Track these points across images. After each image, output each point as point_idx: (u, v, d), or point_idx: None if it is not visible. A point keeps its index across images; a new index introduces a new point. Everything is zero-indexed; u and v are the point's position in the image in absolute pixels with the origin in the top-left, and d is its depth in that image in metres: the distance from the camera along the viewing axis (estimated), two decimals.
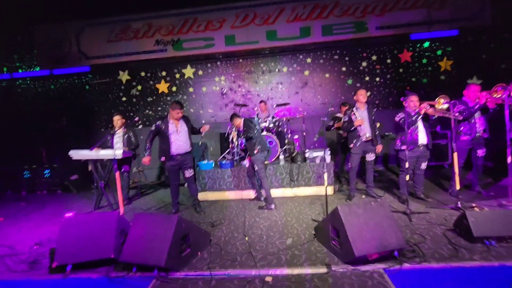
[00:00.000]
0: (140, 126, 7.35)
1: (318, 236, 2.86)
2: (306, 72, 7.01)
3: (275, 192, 4.69)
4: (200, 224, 3.42)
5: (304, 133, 5.90)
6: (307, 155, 4.86)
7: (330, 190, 4.62)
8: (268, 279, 2.21)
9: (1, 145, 7.43)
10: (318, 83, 7.01)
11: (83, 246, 2.47)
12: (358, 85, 6.86)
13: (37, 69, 7.73)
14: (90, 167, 6.83)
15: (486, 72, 6.42)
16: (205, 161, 5.14)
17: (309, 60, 7.00)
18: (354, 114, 3.97)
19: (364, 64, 6.86)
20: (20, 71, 7.80)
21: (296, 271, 2.30)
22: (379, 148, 4.11)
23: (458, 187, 3.53)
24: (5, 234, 3.76)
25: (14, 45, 7.72)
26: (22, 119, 7.65)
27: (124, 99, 7.60)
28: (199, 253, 2.69)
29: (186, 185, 4.39)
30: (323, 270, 2.27)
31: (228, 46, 7.09)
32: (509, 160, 3.44)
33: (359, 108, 4.04)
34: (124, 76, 7.54)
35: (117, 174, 4.06)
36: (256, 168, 4.09)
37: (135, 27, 7.35)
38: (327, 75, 6.98)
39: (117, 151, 4.13)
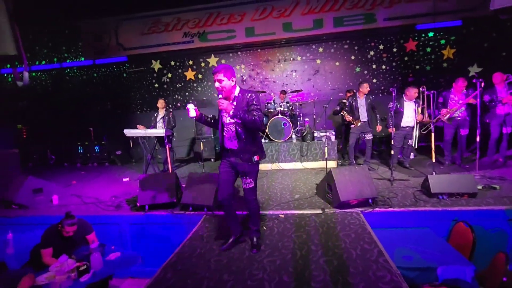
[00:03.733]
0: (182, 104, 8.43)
1: (318, 192, 3.89)
2: (318, 61, 7.78)
3: (288, 165, 5.73)
4: None
5: (314, 116, 6.78)
6: (315, 134, 5.81)
7: (333, 163, 5.58)
8: (281, 216, 3.27)
9: (58, 124, 8.83)
10: (329, 71, 7.77)
11: (154, 194, 3.62)
12: (365, 72, 7.58)
13: (82, 59, 8.91)
14: (131, 144, 8.11)
15: (487, 60, 6.96)
16: None
17: (321, 49, 7.73)
18: (351, 119, 4.89)
19: (371, 53, 7.52)
20: (67, 61, 9.02)
21: (300, 212, 3.34)
22: (379, 128, 5.02)
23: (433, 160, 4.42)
24: (84, 192, 5.02)
25: (62, 38, 8.90)
26: (72, 102, 8.95)
27: (156, 85, 8.69)
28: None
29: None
30: (319, 211, 3.31)
31: (248, 37, 7.91)
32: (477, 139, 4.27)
33: (359, 96, 4.92)
34: (156, 65, 8.59)
35: (168, 147, 5.16)
36: None
37: (166, 21, 8.28)
38: (337, 63, 7.72)
39: (161, 130, 5.25)
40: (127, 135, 5.45)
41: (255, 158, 2.41)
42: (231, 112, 2.26)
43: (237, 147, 2.40)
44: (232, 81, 2.33)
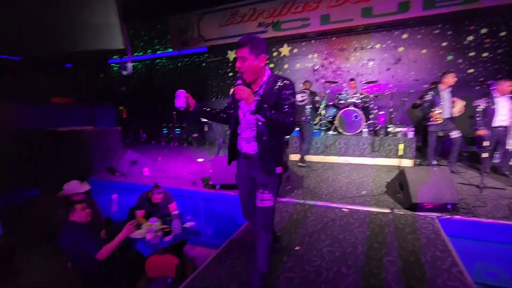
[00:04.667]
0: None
1: (388, 191, 3.67)
2: (401, 49, 7.06)
3: (356, 160, 5.50)
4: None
5: (391, 109, 6.26)
6: (390, 129, 5.39)
7: (410, 162, 5.11)
8: (345, 210, 3.23)
9: (148, 107, 10.25)
10: (413, 59, 6.99)
11: (225, 175, 3.98)
12: (460, 60, 6.58)
13: (170, 50, 10.03)
14: (206, 128, 8.84)
15: None
16: None
17: (405, 36, 6.99)
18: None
19: (470, 38, 6.46)
20: (158, 52, 10.28)
21: (366, 208, 3.24)
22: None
23: None
24: (167, 167, 5.80)
25: (155, 32, 10.15)
26: (160, 88, 10.24)
27: (230, 74, 9.22)
28: (295, 190, 3.89)
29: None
30: (387, 210, 3.15)
31: (323, 25, 7.66)
32: None
33: (442, 89, 4.33)
34: (231, 55, 9.09)
35: None
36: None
37: (242, 12, 8.63)
38: (424, 51, 6.88)
39: None
40: (202, 120, 6.02)
41: (278, 170, 1.79)
42: (252, 106, 1.61)
43: (255, 152, 1.79)
44: (261, 60, 1.67)
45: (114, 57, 10.49)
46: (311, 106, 5.28)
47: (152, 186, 3.66)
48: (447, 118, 4.38)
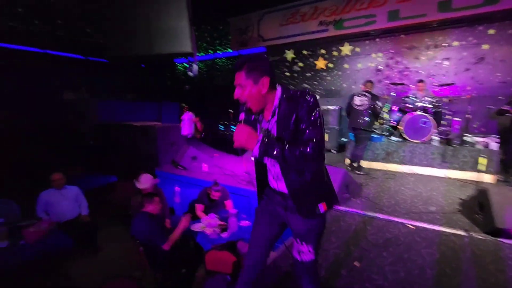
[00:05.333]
0: (318, 97, 8.68)
1: (463, 210, 3.27)
2: (485, 46, 6.16)
3: (423, 170, 5.01)
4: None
5: (469, 116, 5.53)
6: (466, 138, 4.78)
7: (490, 178, 4.47)
8: (410, 226, 2.98)
9: (208, 105, 10.85)
10: (500, 58, 6.04)
11: None
12: None
13: (229, 50, 10.41)
14: None
15: None
16: None
17: (491, 31, 6.08)
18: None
19: None
20: (219, 52, 10.77)
21: (435, 227, 2.94)
22: None
23: None
24: (223, 163, 6.06)
25: (217, 33, 10.64)
26: (218, 87, 10.74)
27: (287, 74, 9.18)
28: (353, 199, 3.72)
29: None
30: (462, 232, 2.81)
31: (391, 21, 7.09)
32: None
33: None
34: (289, 55, 9.04)
35: None
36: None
37: (303, 11, 8.48)
38: None
39: None
40: None
41: (321, 207, 1.39)
42: (256, 151, 1.27)
43: (286, 191, 1.43)
44: (263, 85, 1.31)
45: (181, 57, 11.31)
46: (370, 111, 4.85)
47: (211, 183, 3.88)
48: None
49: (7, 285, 2.57)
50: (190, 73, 5.93)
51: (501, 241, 2.62)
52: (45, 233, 3.01)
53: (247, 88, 1.31)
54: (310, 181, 1.37)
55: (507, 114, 4.96)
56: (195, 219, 3.64)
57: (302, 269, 1.49)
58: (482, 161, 3.63)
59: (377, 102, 4.91)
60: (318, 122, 1.26)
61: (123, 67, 9.85)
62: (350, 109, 5.09)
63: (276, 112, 1.35)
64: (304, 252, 1.44)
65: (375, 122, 5.58)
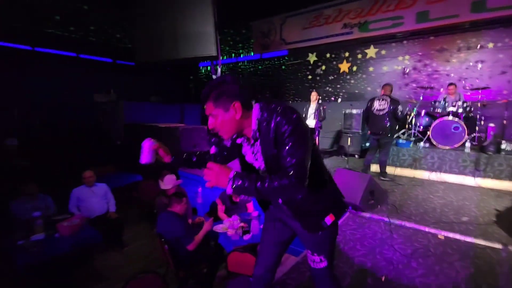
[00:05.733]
0: (339, 100, 8.57)
1: (499, 221, 3.07)
2: None
3: (453, 178, 4.76)
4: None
5: (505, 121, 5.20)
6: (503, 146, 4.50)
7: None
8: (441, 237, 2.84)
9: None
10: None
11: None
12: None
13: (252, 54, 10.50)
14: None
15: None
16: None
17: None
18: None
19: None
20: (241, 55, 10.89)
21: (468, 239, 2.78)
22: None
23: None
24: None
25: (239, 37, 10.77)
26: None
27: (310, 77, 9.10)
28: (378, 205, 3.61)
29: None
30: (499, 246, 2.63)
31: (419, 23, 6.84)
32: None
33: None
34: (312, 58, 8.97)
35: (316, 139, 5.45)
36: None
37: (327, 14, 8.39)
38: None
39: (312, 121, 5.54)
40: None
41: (327, 221, 1.34)
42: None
43: (286, 213, 1.42)
44: (235, 111, 1.20)
45: (205, 61, 11.56)
46: (392, 116, 4.65)
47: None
48: None
49: (44, 275, 2.72)
50: (214, 76, 6.03)
51: None
52: (77, 227, 3.17)
53: (219, 118, 1.21)
54: (309, 198, 1.30)
55: None
56: (216, 220, 3.68)
57: (318, 276, 1.46)
58: None
59: (398, 106, 4.69)
60: (300, 142, 1.14)
61: (149, 71, 10.22)
62: (369, 114, 4.95)
63: (258, 136, 1.25)
64: (317, 261, 1.41)
65: (397, 127, 5.34)
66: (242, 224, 3.41)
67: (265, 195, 1.12)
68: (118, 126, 7.07)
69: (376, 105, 4.79)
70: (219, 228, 3.39)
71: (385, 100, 4.73)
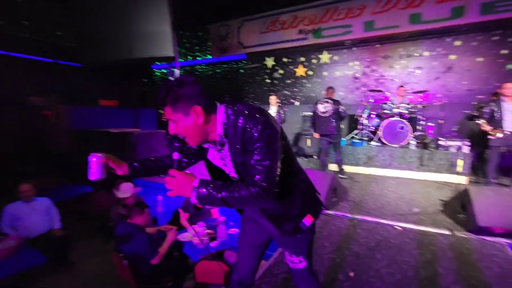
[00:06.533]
0: (298, 103, 8.74)
1: (445, 210, 3.41)
2: (453, 56, 6.62)
3: (402, 173, 5.20)
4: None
5: (441, 121, 5.85)
6: (441, 142, 5.04)
7: (464, 180, 4.73)
8: (399, 228, 3.04)
9: None
10: (467, 68, 6.51)
11: None
12: None
13: (209, 57, 10.33)
14: None
15: None
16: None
17: (458, 43, 6.54)
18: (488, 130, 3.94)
19: None
20: (198, 58, 10.64)
21: (421, 228, 3.02)
22: None
23: None
24: (200, 169, 5.92)
25: (197, 39, 10.53)
26: None
27: (268, 81, 9.25)
28: (340, 202, 3.75)
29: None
30: (447, 232, 2.91)
31: (366, 31, 7.41)
32: None
33: (506, 100, 3.96)
34: (269, 62, 9.13)
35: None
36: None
37: (282, 19, 8.64)
38: (479, 59, 6.38)
39: None
40: None
41: (306, 221, 1.30)
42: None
43: (261, 218, 1.32)
44: (196, 114, 1.09)
45: (157, 62, 11.03)
46: (337, 116, 4.90)
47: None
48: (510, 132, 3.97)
49: None
50: (172, 78, 5.75)
51: (483, 238, 2.74)
52: (13, 250, 2.71)
53: (179, 123, 1.11)
54: (283, 203, 1.23)
55: (475, 120, 5.33)
56: (180, 229, 3.47)
57: (297, 277, 1.46)
58: (460, 163, 3.84)
59: (340, 106, 4.94)
60: (268, 147, 1.05)
61: (98, 73, 9.41)
62: (315, 117, 5.18)
63: (225, 141, 1.16)
64: (296, 262, 1.40)
65: (343, 126, 5.63)
66: (208, 231, 3.27)
67: (232, 205, 1.06)
68: (62, 133, 6.34)
69: (320, 108, 5.01)
70: (183, 237, 3.20)
71: (328, 102, 4.97)
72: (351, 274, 2.23)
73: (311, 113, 6.88)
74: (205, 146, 1.26)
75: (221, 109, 1.15)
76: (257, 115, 1.07)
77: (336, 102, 4.95)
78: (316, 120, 5.16)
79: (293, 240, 1.34)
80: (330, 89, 5.23)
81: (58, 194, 4.68)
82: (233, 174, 1.22)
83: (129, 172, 1.37)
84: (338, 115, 4.90)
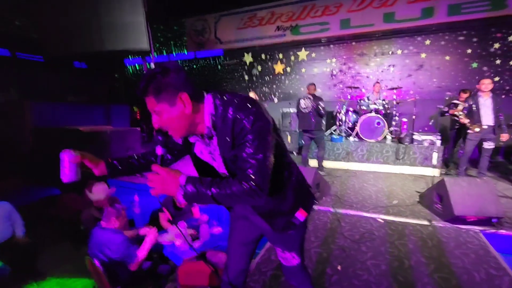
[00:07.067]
0: (276, 100, 8.68)
1: (422, 202, 3.54)
2: (423, 55, 6.93)
3: (380, 167, 5.36)
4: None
5: (414, 117, 6.10)
6: (415, 137, 5.25)
7: (436, 172, 4.96)
8: (380, 220, 3.10)
9: None
10: (436, 66, 6.85)
11: None
12: (485, 68, 6.42)
13: (185, 52, 10.03)
14: None
15: None
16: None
17: (428, 42, 6.86)
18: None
19: (496, 45, 6.30)
20: (174, 53, 10.29)
21: (401, 219, 3.11)
22: (504, 137, 4.13)
23: None
24: (187, 170, 5.73)
25: (171, 33, 10.17)
26: None
27: (246, 77, 9.16)
28: (323, 197, 3.77)
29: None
30: (425, 222, 3.01)
31: (343, 29, 7.57)
32: None
33: (482, 96, 4.18)
34: (248, 58, 9.03)
35: None
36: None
37: (260, 16, 8.58)
38: (447, 58, 6.74)
39: None
40: None
41: (299, 217, 1.24)
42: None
43: (252, 214, 1.28)
44: (184, 104, 0.99)
45: (130, 57, 10.52)
46: (316, 112, 4.89)
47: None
48: (490, 126, 4.16)
49: None
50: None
51: (457, 227, 2.86)
52: None
53: (164, 114, 1.00)
54: (275, 198, 1.17)
55: (446, 115, 5.61)
56: (160, 230, 3.31)
57: (290, 274, 1.42)
58: (435, 156, 4.03)
59: (319, 102, 4.93)
60: (261, 139, 0.98)
61: (64, 67, 8.79)
62: (298, 113, 5.21)
63: (214, 133, 1.07)
64: (289, 259, 1.35)
65: (324, 123, 5.67)
66: (190, 231, 3.13)
67: (223, 202, 0.97)
68: (23, 131, 5.82)
69: (302, 104, 5.03)
70: (164, 238, 3.04)
71: (309, 98, 4.99)
72: (339, 267, 2.23)
73: (292, 110, 6.99)
74: (192, 140, 1.16)
75: (208, 99, 1.06)
76: (248, 105, 1.00)
77: (316, 99, 4.96)
78: (299, 116, 5.17)
79: (285, 236, 1.28)
80: (311, 85, 5.20)
81: (21, 197, 4.30)
82: (222, 169, 1.14)
83: (108, 171, 1.26)
84: (317, 112, 4.92)
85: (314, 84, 5.29)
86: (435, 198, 3.19)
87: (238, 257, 1.40)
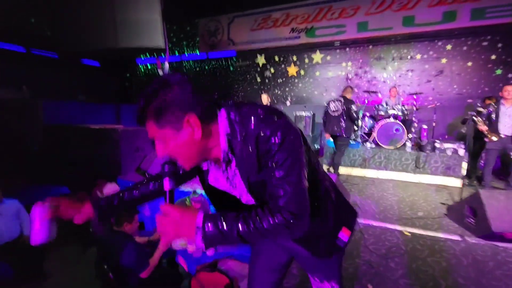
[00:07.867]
0: (289, 103, 8.53)
1: (449, 214, 3.30)
2: (444, 60, 6.68)
3: (398, 175, 5.12)
4: None
5: (434, 124, 5.85)
6: (437, 145, 5.01)
7: (458, 182, 4.70)
8: (407, 233, 2.89)
9: None
10: (457, 72, 6.60)
11: None
12: (510, 75, 6.14)
13: (197, 52, 9.95)
14: None
15: None
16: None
17: (449, 47, 6.62)
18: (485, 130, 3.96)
19: None
20: (186, 54, 10.23)
21: (430, 233, 2.89)
22: None
23: None
24: None
25: (184, 34, 10.11)
26: None
27: (258, 79, 9.02)
28: None
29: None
30: (457, 238, 2.79)
31: (360, 32, 7.38)
32: None
33: (505, 104, 3.95)
34: (260, 60, 8.90)
35: None
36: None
37: (275, 17, 8.45)
38: (469, 64, 6.48)
39: None
40: None
41: (342, 237, 1.06)
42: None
43: (286, 240, 1.08)
44: (192, 127, 0.79)
45: (142, 57, 10.50)
46: (347, 116, 4.73)
47: (189, 193, 3.43)
48: (509, 137, 3.98)
49: None
50: (161, 71, 5.40)
51: (496, 245, 2.63)
52: None
53: (169, 142, 0.81)
54: (314, 220, 0.90)
55: (469, 123, 5.35)
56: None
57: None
58: (464, 166, 3.80)
59: (351, 106, 4.75)
60: (294, 158, 0.80)
61: (75, 65, 8.79)
62: (326, 116, 5.03)
63: (231, 157, 0.87)
64: None
65: (354, 128, 5.49)
66: None
67: (254, 241, 0.80)
68: (35, 129, 5.77)
69: (332, 106, 4.87)
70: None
71: (340, 101, 4.81)
72: (370, 287, 2.03)
73: (305, 113, 6.81)
74: (204, 167, 0.97)
75: (222, 115, 0.86)
76: (274, 118, 0.81)
77: (347, 101, 4.76)
78: (326, 120, 4.98)
79: (325, 261, 1.09)
80: (348, 88, 5.03)
81: (30, 195, 4.19)
82: (245, 197, 0.93)
83: (96, 213, 1.04)
84: (348, 115, 4.72)
85: (351, 87, 5.12)
86: (466, 211, 2.96)
87: (264, 286, 1.18)
